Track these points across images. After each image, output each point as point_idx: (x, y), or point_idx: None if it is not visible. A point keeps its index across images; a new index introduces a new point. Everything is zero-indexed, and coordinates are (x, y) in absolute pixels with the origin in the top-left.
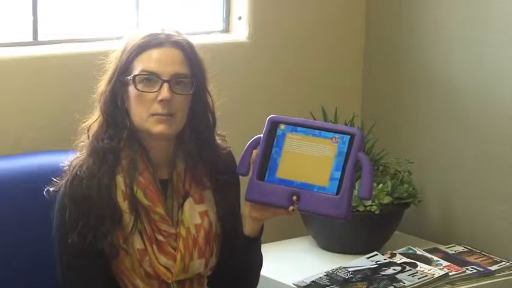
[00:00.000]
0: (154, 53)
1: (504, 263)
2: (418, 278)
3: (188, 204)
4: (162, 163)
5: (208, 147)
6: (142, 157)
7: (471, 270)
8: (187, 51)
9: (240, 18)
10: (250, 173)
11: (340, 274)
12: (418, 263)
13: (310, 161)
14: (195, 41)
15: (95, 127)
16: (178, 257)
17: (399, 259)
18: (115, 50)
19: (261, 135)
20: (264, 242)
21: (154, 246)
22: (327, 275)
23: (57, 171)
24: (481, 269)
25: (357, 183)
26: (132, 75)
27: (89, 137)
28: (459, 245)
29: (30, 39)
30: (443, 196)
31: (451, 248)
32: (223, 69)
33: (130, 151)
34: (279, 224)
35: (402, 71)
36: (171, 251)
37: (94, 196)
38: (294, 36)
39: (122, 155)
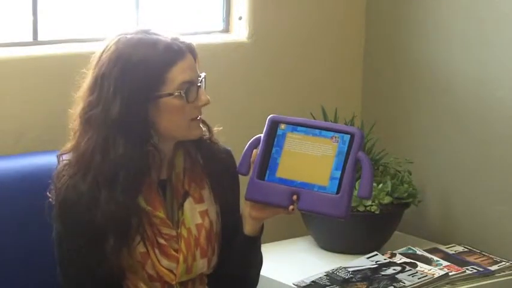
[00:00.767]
0: (184, 63)
1: (504, 263)
2: (418, 278)
3: (188, 204)
4: (162, 164)
5: (207, 146)
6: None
7: (471, 270)
8: (194, 53)
9: (240, 18)
10: (251, 172)
11: (340, 274)
12: (418, 263)
13: (311, 160)
14: (195, 41)
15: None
16: (181, 258)
17: (399, 259)
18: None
19: (262, 134)
20: (264, 242)
21: (156, 250)
22: (327, 275)
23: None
24: (481, 269)
25: (356, 183)
26: (178, 91)
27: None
28: (459, 245)
29: (30, 39)
30: (443, 196)
31: (451, 248)
32: (223, 69)
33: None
34: (279, 224)
35: (402, 71)
36: (173, 253)
37: (101, 224)
38: (294, 36)
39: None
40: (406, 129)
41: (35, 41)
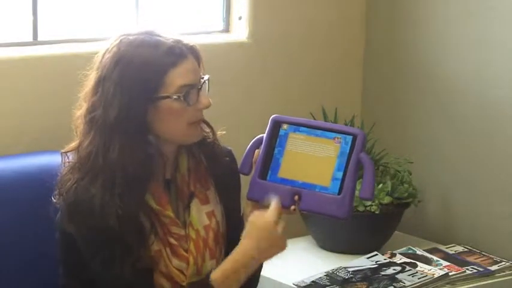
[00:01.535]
0: (184, 66)
1: (504, 263)
2: (418, 278)
3: (195, 205)
4: (166, 164)
5: (210, 147)
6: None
7: (471, 270)
8: (197, 54)
9: (240, 18)
10: (252, 172)
11: (340, 274)
12: (418, 263)
13: (313, 161)
14: (195, 41)
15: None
16: (191, 260)
17: (399, 259)
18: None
19: (264, 134)
20: None
21: (168, 249)
22: (327, 275)
23: (56, 172)
24: (481, 269)
25: (358, 183)
26: (176, 94)
27: (99, 161)
28: (459, 245)
29: (30, 39)
30: (443, 196)
31: (451, 248)
32: (223, 69)
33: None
34: None
35: (402, 71)
36: (183, 253)
37: (115, 227)
38: (294, 36)
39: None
40: (406, 129)
41: (35, 41)
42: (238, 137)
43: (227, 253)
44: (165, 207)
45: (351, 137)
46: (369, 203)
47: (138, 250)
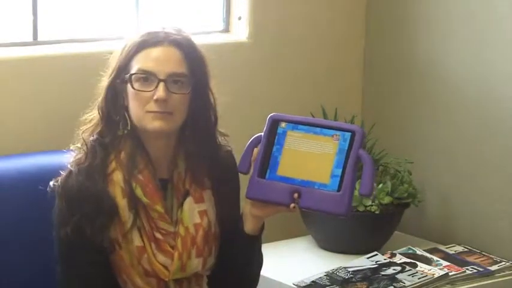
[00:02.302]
0: (152, 52)
1: (504, 263)
2: (418, 278)
3: (188, 203)
4: (162, 162)
5: (209, 146)
6: (142, 155)
7: (471, 270)
8: (186, 49)
9: (240, 18)
10: (251, 171)
11: (340, 274)
12: (418, 263)
13: (311, 158)
14: (195, 40)
15: (90, 123)
16: (176, 255)
17: (399, 259)
18: (117, 50)
19: (262, 133)
20: (264, 242)
21: (153, 244)
22: (327, 275)
23: (57, 171)
24: (481, 269)
25: (358, 181)
26: (129, 74)
27: (83, 133)
28: (459, 245)
29: (30, 39)
30: (443, 196)
31: (451, 248)
32: (223, 69)
33: (130, 148)
34: (279, 224)
35: (402, 71)
36: (169, 249)
37: (85, 190)
38: (294, 36)
39: (121, 151)
40: (406, 129)
41: (35, 41)
42: (238, 137)
43: (223, 252)
44: (155, 201)
45: (350, 133)
46: (369, 202)
47: (106, 221)
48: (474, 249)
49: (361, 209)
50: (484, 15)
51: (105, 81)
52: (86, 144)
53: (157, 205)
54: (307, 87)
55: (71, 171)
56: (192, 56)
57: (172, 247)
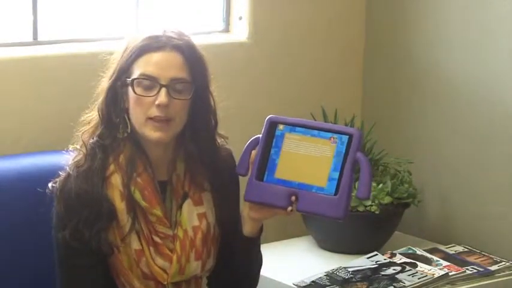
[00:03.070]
0: (154, 57)
1: (504, 263)
2: (418, 278)
3: (187, 205)
4: (161, 164)
5: (209, 148)
6: (141, 158)
7: (471, 270)
8: (188, 54)
9: (240, 18)
10: (249, 173)
11: (340, 274)
12: (418, 263)
13: (309, 161)
14: (195, 41)
15: (90, 125)
16: (175, 258)
17: (399, 259)
18: (117, 50)
19: (260, 135)
20: (264, 242)
21: (151, 248)
22: (327, 275)
23: (57, 172)
24: (481, 269)
25: (356, 183)
26: (131, 79)
27: (82, 135)
28: (459, 245)
29: (30, 39)
30: (443, 196)
31: (451, 248)
32: (223, 69)
33: (129, 151)
34: (279, 224)
35: (402, 71)
36: (168, 252)
37: (84, 194)
38: (294, 36)
39: (120, 154)
40: (405, 130)
41: (35, 41)
42: (238, 137)
43: (222, 254)
44: (153, 205)
45: (347, 136)
46: (369, 202)
47: (105, 225)
48: (474, 249)
49: (361, 209)
50: (485, 14)
51: (105, 83)
52: (86, 146)
53: (155, 209)
54: (307, 87)
55: (69, 174)
56: (193, 60)
57: (171, 250)
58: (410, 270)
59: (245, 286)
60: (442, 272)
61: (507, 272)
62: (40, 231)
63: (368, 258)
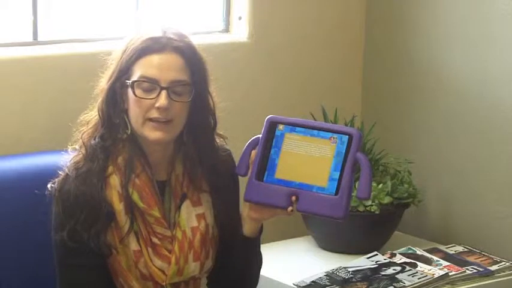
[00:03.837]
0: (155, 59)
1: (504, 263)
2: (418, 278)
3: (185, 206)
4: (160, 164)
5: (208, 149)
6: (140, 159)
7: (471, 270)
8: (188, 56)
9: (240, 18)
10: (249, 173)
11: (340, 274)
12: (418, 263)
13: (309, 161)
14: (195, 41)
15: (90, 125)
16: (173, 259)
17: (399, 259)
18: (116, 50)
19: (260, 135)
20: (264, 242)
21: (149, 249)
22: (327, 275)
23: (56, 172)
24: (481, 269)
25: (356, 183)
26: (131, 81)
27: (82, 136)
28: (459, 245)
29: (30, 39)
30: (443, 196)
31: (451, 248)
32: (223, 69)
33: (128, 152)
34: (279, 224)
35: (402, 71)
36: (166, 253)
37: (82, 195)
38: (294, 36)
39: (119, 155)
40: (406, 130)
41: (35, 41)
42: (238, 137)
43: (222, 254)
44: (151, 207)
45: (347, 136)
46: (369, 202)
47: (103, 226)
48: (474, 249)
49: (361, 209)
50: (485, 13)
51: (104, 83)
52: (86, 147)
53: (153, 210)
54: (307, 87)
55: (67, 175)
56: (193, 62)
57: (169, 251)
58: (410, 270)
59: (245, 286)
60: (442, 272)
61: (507, 272)
62: (40, 231)
63: (368, 258)
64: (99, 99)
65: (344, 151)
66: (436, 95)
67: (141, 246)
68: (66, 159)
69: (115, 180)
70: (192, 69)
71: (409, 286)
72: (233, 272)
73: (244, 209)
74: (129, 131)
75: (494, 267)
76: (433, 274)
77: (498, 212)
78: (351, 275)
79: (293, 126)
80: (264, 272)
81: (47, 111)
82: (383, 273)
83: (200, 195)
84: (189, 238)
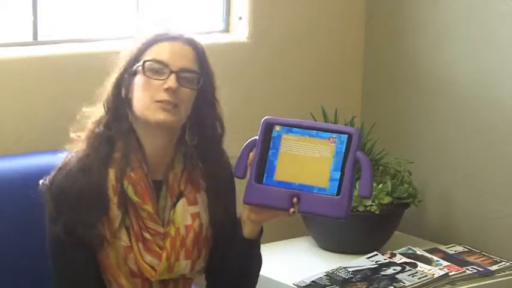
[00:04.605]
0: (167, 45)
1: (504, 263)
2: (418, 278)
3: (181, 204)
4: (159, 164)
5: (209, 152)
6: (137, 154)
7: (471, 270)
8: (199, 51)
9: (240, 18)
10: (248, 175)
11: (340, 274)
12: (418, 263)
13: (308, 162)
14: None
15: (96, 116)
16: (164, 255)
17: (399, 259)
18: (126, 48)
19: (257, 137)
20: (264, 242)
21: (140, 244)
22: (327, 275)
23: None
24: (481, 269)
25: (356, 183)
26: (142, 61)
27: (87, 125)
28: (459, 245)
29: (30, 39)
30: (443, 196)
31: (451, 248)
32: (223, 69)
33: (126, 145)
34: (279, 224)
35: (402, 71)
36: (157, 249)
37: (80, 185)
38: (294, 36)
39: (117, 147)
40: (406, 129)
41: (35, 41)
42: (238, 138)
43: (217, 255)
44: (145, 201)
45: (346, 136)
46: (369, 202)
47: (99, 217)
48: (474, 249)
49: (361, 209)
50: (485, 14)
51: (112, 78)
52: (90, 137)
53: (147, 204)
54: (307, 87)
55: (61, 168)
56: (203, 58)
57: (161, 248)
58: (410, 270)
59: (245, 286)
60: (442, 272)
61: (507, 272)
62: (40, 231)
63: (368, 258)
64: (107, 92)
65: (343, 151)
66: (436, 95)
67: (131, 242)
68: (62, 157)
69: (111, 173)
70: (201, 63)
71: (409, 286)
72: (232, 273)
73: (244, 211)
74: (130, 120)
75: (494, 267)
76: (433, 274)
77: (498, 212)
78: (351, 275)
79: (290, 127)
80: (264, 272)
81: (47, 111)
82: (383, 273)
83: (197, 194)
84: (182, 236)
